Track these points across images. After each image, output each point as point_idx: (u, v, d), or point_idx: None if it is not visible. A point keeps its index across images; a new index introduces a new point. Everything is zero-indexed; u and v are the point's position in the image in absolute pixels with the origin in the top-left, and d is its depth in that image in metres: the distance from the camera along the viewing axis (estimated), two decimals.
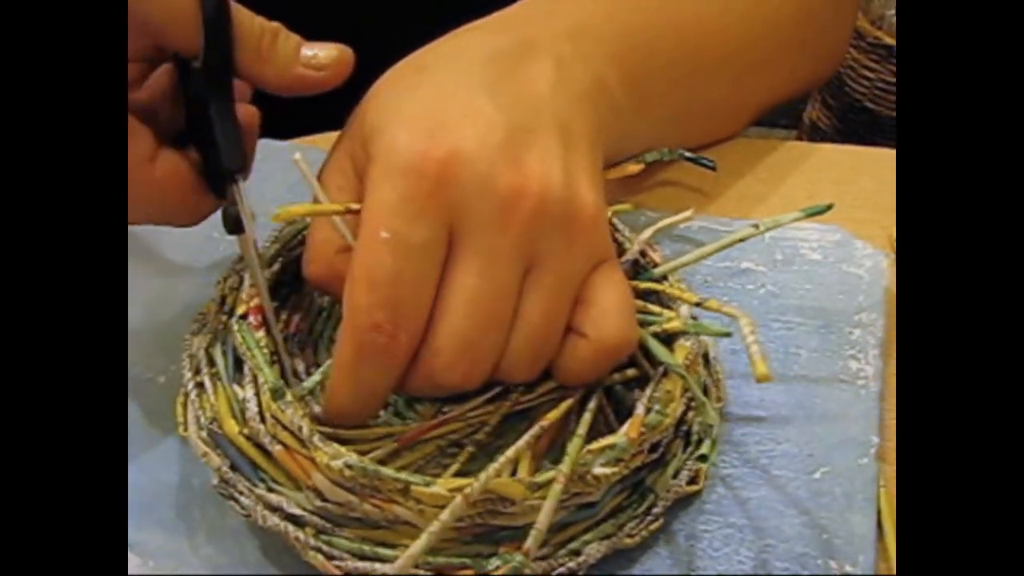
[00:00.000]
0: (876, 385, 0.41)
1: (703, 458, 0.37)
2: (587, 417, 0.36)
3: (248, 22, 0.38)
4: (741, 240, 0.40)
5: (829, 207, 0.41)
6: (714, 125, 0.53)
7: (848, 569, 0.35)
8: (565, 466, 0.33)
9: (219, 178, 0.39)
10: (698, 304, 0.38)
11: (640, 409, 0.35)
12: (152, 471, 0.39)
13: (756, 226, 0.39)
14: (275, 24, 0.39)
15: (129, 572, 0.36)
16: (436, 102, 0.36)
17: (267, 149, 0.51)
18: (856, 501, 0.37)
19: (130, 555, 0.36)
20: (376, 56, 0.46)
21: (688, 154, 0.50)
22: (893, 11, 1.08)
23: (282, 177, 0.49)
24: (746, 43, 0.50)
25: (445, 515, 0.31)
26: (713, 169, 0.50)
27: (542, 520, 0.32)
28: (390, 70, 0.38)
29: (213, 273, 0.47)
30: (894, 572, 0.35)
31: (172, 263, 0.48)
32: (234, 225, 0.39)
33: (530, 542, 0.32)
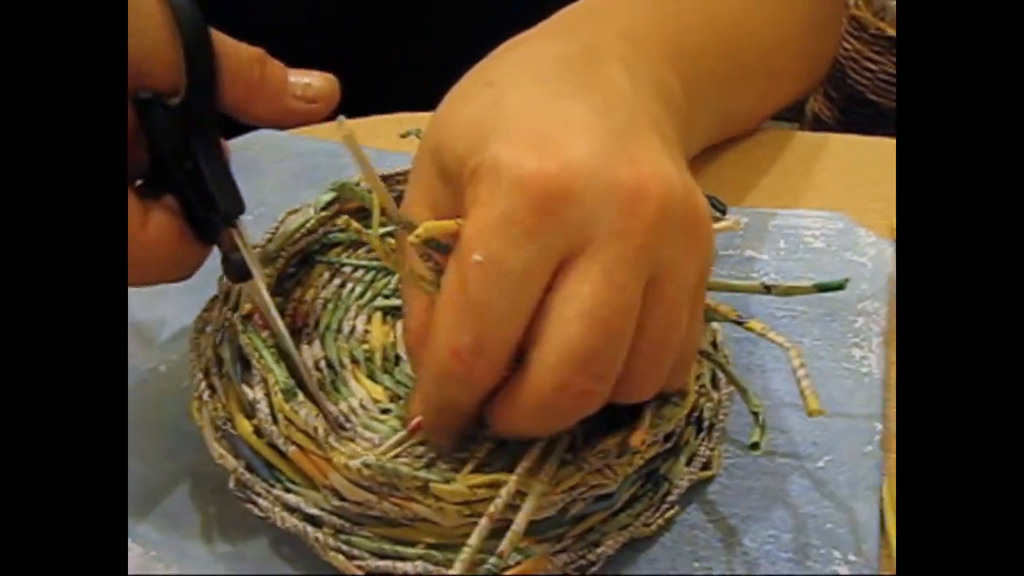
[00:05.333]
0: (880, 373, 0.42)
1: (755, 446, 0.36)
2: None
3: (234, 52, 0.35)
4: (749, 291, 0.38)
5: (846, 282, 0.38)
6: (734, 131, 0.53)
7: (851, 558, 0.36)
8: (545, 474, 0.33)
9: (209, 224, 0.36)
10: (738, 323, 0.37)
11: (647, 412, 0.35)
12: (156, 462, 0.39)
13: (768, 288, 0.37)
14: (258, 51, 0.36)
15: (131, 562, 0.36)
16: (529, 113, 0.33)
17: (264, 139, 0.51)
18: (859, 490, 0.38)
19: (133, 545, 0.36)
20: (368, 52, 0.45)
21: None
22: (895, 2, 1.05)
23: (282, 167, 0.48)
24: (772, 48, 0.50)
25: (484, 522, 0.32)
26: (723, 212, 0.47)
27: (519, 522, 0.32)
28: (455, 86, 0.36)
29: (211, 260, 0.46)
30: (895, 560, 0.36)
31: None
32: (238, 272, 0.36)
33: (505, 544, 0.32)
